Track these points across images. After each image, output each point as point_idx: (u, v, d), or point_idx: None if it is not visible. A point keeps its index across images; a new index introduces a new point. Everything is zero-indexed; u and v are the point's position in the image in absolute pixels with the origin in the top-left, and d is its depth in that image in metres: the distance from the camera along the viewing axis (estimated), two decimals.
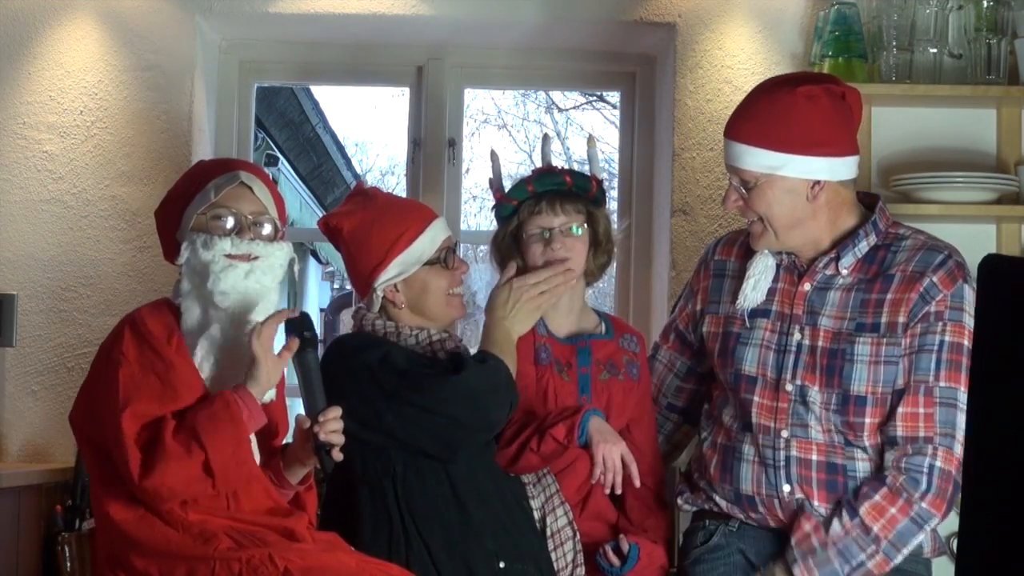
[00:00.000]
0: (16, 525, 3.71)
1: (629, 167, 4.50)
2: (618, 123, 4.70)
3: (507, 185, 3.26)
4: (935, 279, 2.95)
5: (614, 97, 11.15)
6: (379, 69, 4.53)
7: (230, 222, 2.81)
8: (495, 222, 3.30)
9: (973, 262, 2.37)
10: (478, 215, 11.75)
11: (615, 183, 4.68)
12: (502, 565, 2.94)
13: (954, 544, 3.85)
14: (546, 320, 3.21)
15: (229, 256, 2.77)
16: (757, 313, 3.06)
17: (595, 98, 12.75)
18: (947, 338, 2.92)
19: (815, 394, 2.95)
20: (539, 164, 3.32)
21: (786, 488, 2.96)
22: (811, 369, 2.97)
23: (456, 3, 4.21)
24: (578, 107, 13.24)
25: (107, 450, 2.70)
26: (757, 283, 3.06)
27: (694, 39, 4.20)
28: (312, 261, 12.19)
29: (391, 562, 2.82)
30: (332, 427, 2.77)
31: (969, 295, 2.93)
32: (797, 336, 3.00)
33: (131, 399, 2.65)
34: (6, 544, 3.66)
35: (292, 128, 9.18)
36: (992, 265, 2.30)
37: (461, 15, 4.22)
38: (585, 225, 3.19)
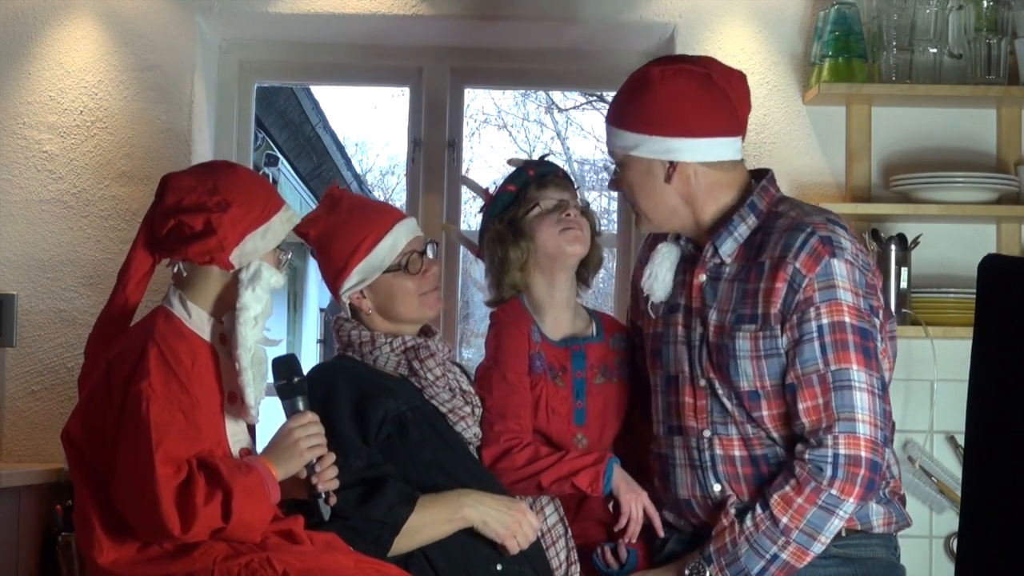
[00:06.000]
0: (16, 525, 3.71)
1: None
2: None
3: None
4: (798, 264, 2.81)
5: None
6: (379, 69, 4.53)
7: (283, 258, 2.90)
8: (480, 226, 3.29)
9: (973, 262, 2.37)
10: (478, 215, 11.70)
11: None
12: (499, 567, 2.94)
13: (954, 544, 3.86)
14: (540, 323, 3.20)
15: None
16: (673, 309, 3.00)
17: (595, 98, 12.75)
18: (824, 320, 2.80)
19: (719, 387, 2.91)
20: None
21: (716, 488, 2.92)
22: (711, 362, 2.92)
23: (456, 3, 4.21)
24: (578, 107, 13.25)
25: (104, 475, 2.65)
26: (654, 273, 3.00)
27: (694, 39, 4.20)
28: (312, 261, 12.20)
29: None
30: (329, 475, 2.78)
31: (840, 268, 2.81)
32: (699, 330, 2.94)
33: (162, 440, 2.58)
34: (6, 544, 3.66)
35: (292, 128, 9.19)
36: (992, 265, 2.31)
37: (461, 15, 4.22)
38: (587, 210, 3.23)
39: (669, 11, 4.21)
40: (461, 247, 4.50)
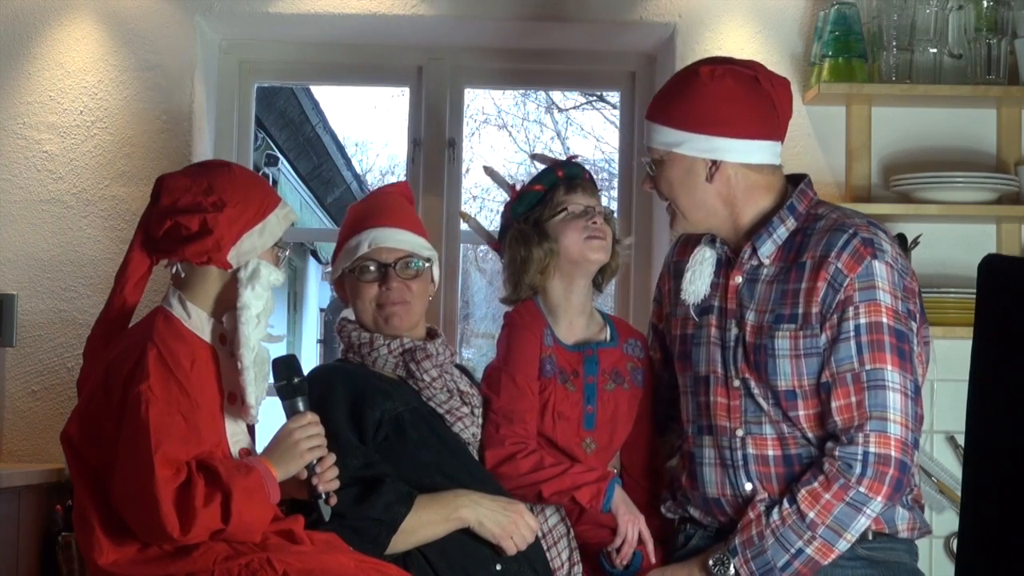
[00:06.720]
0: (16, 525, 3.71)
1: (629, 167, 4.50)
2: (618, 123, 4.71)
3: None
4: (839, 264, 2.84)
5: (614, 97, 11.15)
6: (379, 69, 4.53)
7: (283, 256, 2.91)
8: (501, 221, 3.29)
9: (973, 262, 2.37)
10: (478, 215, 11.73)
11: (615, 183, 4.68)
12: (499, 567, 2.94)
13: (954, 544, 3.86)
14: (554, 326, 3.20)
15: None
16: (706, 310, 3.01)
17: (595, 98, 12.75)
18: (863, 320, 2.83)
19: (755, 387, 2.92)
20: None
21: (748, 487, 2.92)
22: (747, 362, 2.93)
23: (456, 3, 4.21)
24: (578, 107, 13.23)
25: (103, 477, 2.64)
26: (694, 276, 3.01)
27: (694, 39, 4.20)
28: (312, 261, 12.19)
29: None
30: (329, 476, 2.78)
31: (880, 269, 2.84)
32: (734, 331, 2.95)
33: (161, 442, 2.58)
34: (6, 544, 3.66)
35: (292, 128, 9.18)
36: (992, 265, 2.31)
37: (461, 15, 4.22)
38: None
39: (669, 11, 4.21)
40: (461, 247, 4.51)
